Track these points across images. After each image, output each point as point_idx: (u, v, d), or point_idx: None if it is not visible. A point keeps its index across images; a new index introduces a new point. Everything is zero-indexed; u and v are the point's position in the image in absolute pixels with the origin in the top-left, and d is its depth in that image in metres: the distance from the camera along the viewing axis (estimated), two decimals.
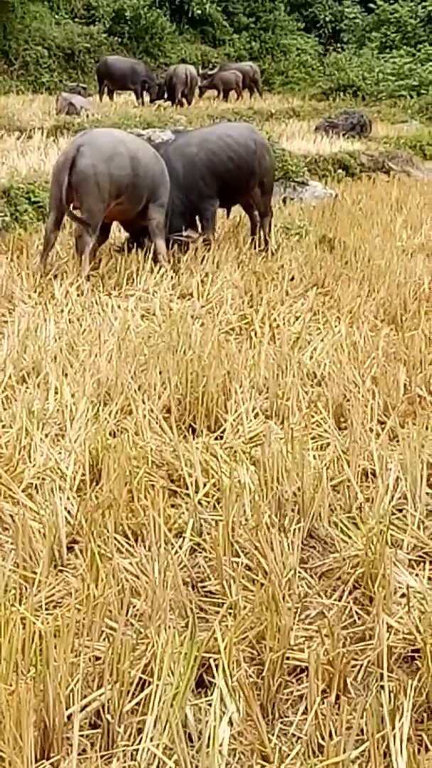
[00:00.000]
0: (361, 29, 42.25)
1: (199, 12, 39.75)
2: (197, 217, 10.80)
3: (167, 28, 38.40)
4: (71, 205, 9.52)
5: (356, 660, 3.93)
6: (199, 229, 10.77)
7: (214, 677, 3.66)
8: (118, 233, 10.87)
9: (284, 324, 8.24)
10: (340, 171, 18.12)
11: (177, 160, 10.49)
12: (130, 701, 3.54)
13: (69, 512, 4.90)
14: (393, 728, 3.40)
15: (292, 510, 5.01)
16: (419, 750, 3.35)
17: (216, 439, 5.99)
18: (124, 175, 9.56)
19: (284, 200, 14.57)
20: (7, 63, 32.63)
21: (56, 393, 6.44)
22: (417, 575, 4.54)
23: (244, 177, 10.91)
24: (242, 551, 4.60)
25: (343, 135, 21.69)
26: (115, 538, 4.64)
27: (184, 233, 10.49)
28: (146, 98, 28.10)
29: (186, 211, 10.59)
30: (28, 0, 34.12)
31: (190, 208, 10.62)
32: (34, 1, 34.62)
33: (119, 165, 9.52)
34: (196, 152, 10.63)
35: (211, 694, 3.57)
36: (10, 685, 3.36)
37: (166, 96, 27.81)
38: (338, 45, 42.36)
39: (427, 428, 6.02)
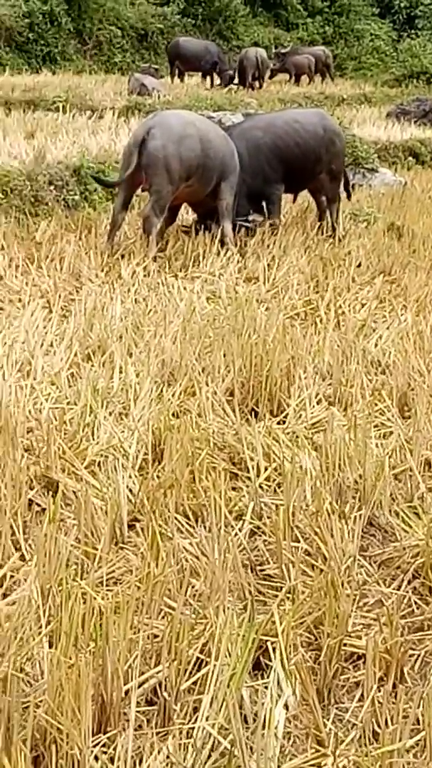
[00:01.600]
0: None
1: None
2: (263, 201, 10.77)
3: (241, 10, 38.30)
4: (140, 187, 9.56)
5: (414, 649, 3.92)
6: (265, 213, 10.74)
7: (270, 660, 3.67)
8: (186, 215, 10.88)
9: (350, 311, 8.21)
10: (410, 158, 17.98)
11: (241, 144, 10.46)
12: (186, 680, 3.57)
13: (131, 490, 4.93)
14: None
15: (353, 497, 5.00)
16: None
17: (278, 423, 5.99)
18: (193, 156, 9.56)
19: (353, 186, 14.46)
20: (81, 42, 32.80)
21: (121, 372, 6.47)
22: None
23: (311, 163, 10.86)
24: (302, 536, 4.60)
25: (415, 122, 21.50)
26: (176, 518, 4.66)
27: (250, 218, 10.47)
28: (216, 81, 28.05)
29: (252, 194, 10.56)
30: None
31: (255, 191, 10.60)
32: None
33: (189, 147, 9.52)
34: (261, 136, 10.60)
35: (268, 677, 3.58)
36: (70, 659, 3.39)
37: (237, 79, 27.73)
38: (412, 31, 41.82)
39: None
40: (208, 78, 28.30)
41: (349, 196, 11.78)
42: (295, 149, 10.68)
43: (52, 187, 11.28)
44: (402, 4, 44.01)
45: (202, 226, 10.33)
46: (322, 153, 10.94)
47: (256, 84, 27.80)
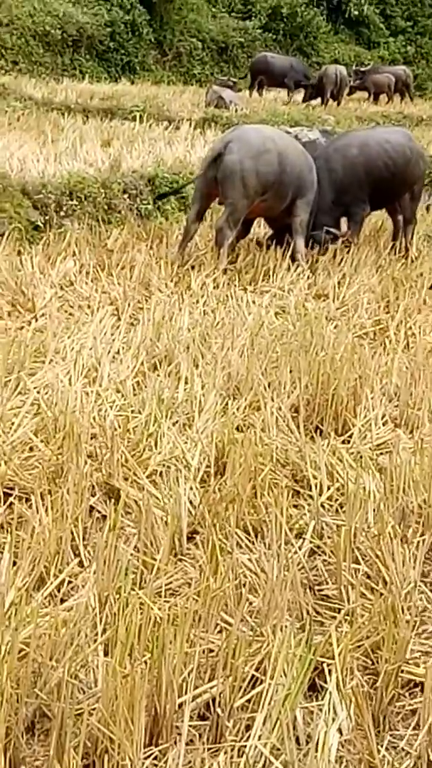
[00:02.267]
0: None
1: (356, 13, 39.49)
2: (344, 219, 10.73)
3: (323, 27, 38.30)
4: (216, 199, 9.58)
5: None
6: (343, 229, 10.70)
7: (326, 682, 3.63)
8: (258, 229, 10.86)
9: (420, 332, 8.13)
10: None
11: (337, 161, 10.48)
12: (241, 697, 3.53)
13: (191, 502, 4.92)
14: None
15: (417, 522, 4.94)
16: None
17: (343, 443, 5.94)
18: (270, 172, 9.56)
19: (428, 208, 14.36)
20: (160, 53, 33.01)
21: (186, 383, 6.46)
22: None
23: (397, 183, 10.84)
24: (362, 559, 4.55)
25: None
26: (236, 533, 4.64)
27: (332, 229, 10.43)
28: (298, 96, 28.05)
29: (336, 211, 10.53)
30: None
31: (340, 209, 10.57)
32: None
33: (267, 162, 9.53)
34: (357, 154, 10.59)
35: (323, 699, 3.54)
36: (125, 669, 3.38)
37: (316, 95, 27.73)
38: None
39: None
40: (288, 93, 28.27)
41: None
42: (384, 170, 10.68)
43: (125, 196, 11.33)
44: None
45: (274, 241, 10.31)
46: (408, 174, 10.91)
47: (334, 101, 27.71)
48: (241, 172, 9.38)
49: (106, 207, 11.02)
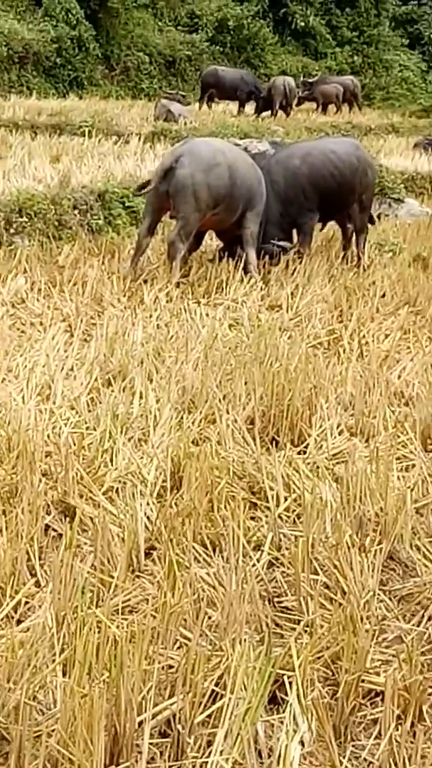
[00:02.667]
0: None
1: (303, 24, 39.76)
2: (294, 230, 10.77)
3: (269, 39, 38.52)
4: (167, 213, 9.57)
5: None
6: (295, 241, 10.74)
7: (287, 695, 3.61)
8: (209, 241, 10.87)
9: (373, 341, 8.16)
10: None
11: (279, 173, 10.51)
12: (201, 713, 3.51)
13: (148, 518, 4.89)
14: None
15: (374, 530, 4.94)
16: None
17: (299, 453, 5.94)
18: (221, 185, 9.57)
19: (379, 216, 14.42)
20: (108, 68, 33.03)
21: (141, 398, 6.44)
22: None
23: (345, 193, 10.87)
24: (321, 569, 4.54)
25: None
26: (194, 547, 4.61)
27: (280, 242, 10.44)
28: (248, 109, 28.15)
29: (284, 222, 10.57)
30: (133, 6, 34.45)
31: (288, 220, 10.61)
32: (138, 7, 34.94)
33: (218, 175, 9.54)
34: (299, 165, 10.61)
35: (284, 712, 3.52)
36: (83, 688, 3.34)
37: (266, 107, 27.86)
38: None
39: None
40: (240, 105, 28.36)
41: (372, 221, 11.73)
42: (330, 179, 10.71)
43: (76, 212, 11.29)
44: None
45: (226, 253, 10.32)
46: (356, 183, 10.96)
47: (283, 112, 27.84)
48: (193, 186, 9.38)
49: (56, 223, 10.97)
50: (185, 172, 9.38)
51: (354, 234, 11.32)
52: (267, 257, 10.39)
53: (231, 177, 9.65)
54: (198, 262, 10.31)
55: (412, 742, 3.41)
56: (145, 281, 9.38)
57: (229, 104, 29.16)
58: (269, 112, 27.57)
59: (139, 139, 17.35)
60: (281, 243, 10.47)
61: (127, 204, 11.95)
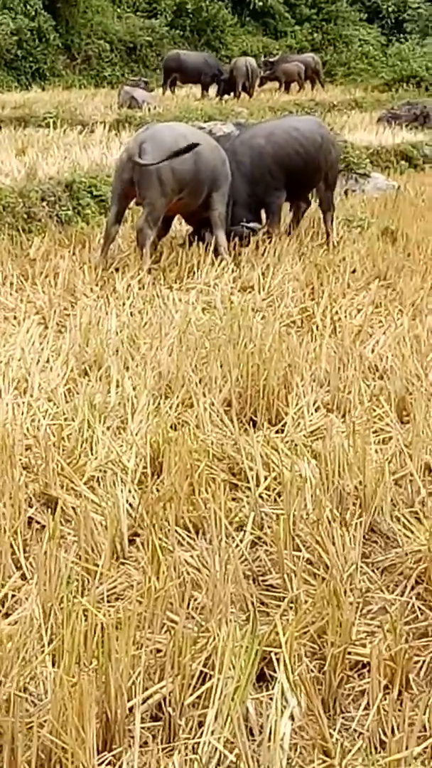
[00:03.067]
0: (425, 19, 41.80)
1: (261, 4, 39.64)
2: (263, 210, 10.79)
3: (229, 20, 38.39)
4: (133, 200, 9.57)
5: (419, 656, 3.90)
6: (264, 221, 10.76)
7: (275, 671, 3.65)
8: (179, 226, 10.87)
9: (346, 317, 8.20)
10: (402, 162, 17.98)
11: (245, 153, 10.51)
12: (191, 694, 3.55)
13: (130, 505, 4.92)
14: None
15: (354, 504, 4.99)
16: None
17: (277, 432, 5.98)
18: (186, 170, 9.57)
19: (346, 192, 14.47)
20: (69, 57, 32.86)
21: (118, 386, 6.46)
22: None
23: (311, 171, 10.89)
24: (303, 545, 4.59)
25: (406, 126, 21.50)
26: (176, 531, 4.65)
27: (249, 224, 10.46)
28: (211, 92, 28.11)
29: (252, 202, 10.59)
30: None
31: (256, 200, 10.62)
32: None
33: (181, 160, 9.53)
34: (264, 144, 10.62)
35: (272, 689, 3.56)
36: (73, 677, 3.37)
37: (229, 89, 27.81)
38: (401, 35, 41.86)
39: None
40: (203, 89, 28.29)
41: (308, 203, 11.72)
42: (296, 157, 10.72)
43: (44, 203, 11.28)
44: (390, 9, 44.10)
45: (196, 237, 10.33)
46: (321, 161, 10.99)
47: (246, 93, 27.80)
48: (157, 171, 9.38)
49: (25, 216, 10.96)
50: (149, 159, 9.36)
51: (322, 213, 11.35)
52: (237, 239, 10.40)
53: (195, 161, 9.65)
54: (168, 247, 10.32)
55: (399, 711, 3.46)
56: (117, 269, 9.39)
57: (192, 88, 29.08)
58: (232, 93, 27.52)
59: (104, 127, 17.31)
60: (250, 224, 10.49)
61: (95, 193, 11.95)
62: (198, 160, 9.70)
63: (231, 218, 10.33)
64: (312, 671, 3.75)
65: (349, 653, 3.81)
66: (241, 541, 4.67)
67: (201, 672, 3.65)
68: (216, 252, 9.89)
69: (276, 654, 3.73)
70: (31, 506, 4.96)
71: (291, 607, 4.11)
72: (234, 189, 10.29)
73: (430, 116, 22.84)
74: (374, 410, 6.22)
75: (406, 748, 3.25)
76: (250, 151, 10.56)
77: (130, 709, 3.43)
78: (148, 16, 36.37)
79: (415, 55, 35.88)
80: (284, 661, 3.65)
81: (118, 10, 35.91)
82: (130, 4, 36.67)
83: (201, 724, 3.42)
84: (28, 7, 31.51)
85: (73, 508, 4.86)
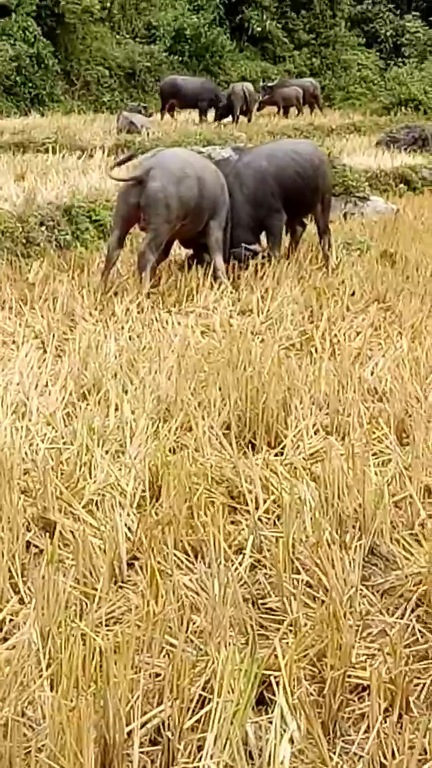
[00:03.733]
0: (423, 43, 42.01)
1: (259, 29, 39.88)
2: (264, 232, 10.82)
3: (227, 46, 38.60)
4: (135, 224, 9.61)
5: (419, 678, 3.88)
6: (264, 243, 10.79)
7: (274, 695, 3.63)
8: (178, 251, 10.90)
9: (345, 339, 8.20)
10: (401, 185, 18.04)
11: (248, 175, 10.56)
12: (190, 718, 3.53)
13: (129, 528, 4.91)
14: None
15: (353, 527, 4.97)
16: None
17: (276, 455, 5.97)
18: (191, 197, 9.65)
19: (345, 216, 14.51)
20: (68, 83, 33.02)
21: (116, 410, 6.45)
22: None
23: (309, 192, 10.96)
24: (303, 568, 4.57)
25: (405, 149, 21.60)
26: (175, 555, 4.63)
27: (250, 246, 10.49)
28: (210, 116, 28.23)
29: (254, 225, 10.63)
30: (90, 21, 34.45)
31: (257, 222, 10.67)
32: (95, 21, 34.95)
33: (188, 187, 9.61)
34: (266, 167, 10.67)
35: (272, 712, 3.54)
36: (71, 701, 3.36)
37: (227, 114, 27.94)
38: (399, 59, 42.06)
39: None
40: (201, 114, 28.40)
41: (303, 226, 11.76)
42: (297, 179, 10.79)
43: (43, 228, 11.30)
44: (388, 33, 44.36)
45: (195, 260, 10.35)
46: (319, 182, 11.06)
47: (245, 118, 27.92)
48: (165, 199, 9.44)
49: (24, 241, 10.98)
50: (157, 185, 9.41)
51: (318, 235, 11.39)
52: (237, 262, 10.43)
53: (200, 188, 9.74)
54: (167, 271, 10.34)
55: (399, 734, 3.44)
56: (116, 293, 9.39)
57: (192, 113, 29.20)
58: (230, 118, 27.64)
59: (103, 152, 17.40)
60: (251, 247, 10.52)
61: (94, 218, 11.99)
62: (202, 187, 9.77)
63: (231, 240, 10.36)
64: (312, 694, 3.73)
65: (349, 676, 3.79)
66: (240, 564, 4.66)
67: (200, 696, 3.63)
68: (214, 276, 9.92)
69: (275, 677, 3.71)
70: (29, 530, 4.95)
71: (290, 630, 4.10)
72: (236, 211, 10.34)
73: (428, 139, 22.94)
74: (373, 433, 6.21)
75: None
76: (254, 173, 10.61)
77: (129, 733, 3.41)
78: (147, 42, 36.58)
79: (414, 79, 36.06)
80: (284, 684, 3.63)
81: (117, 36, 36.11)
82: (129, 30, 36.89)
83: (200, 748, 3.41)
84: (27, 33, 31.67)
85: (71, 531, 4.85)
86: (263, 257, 10.53)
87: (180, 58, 36.75)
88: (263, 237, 10.85)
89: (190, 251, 10.62)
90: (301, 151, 11.09)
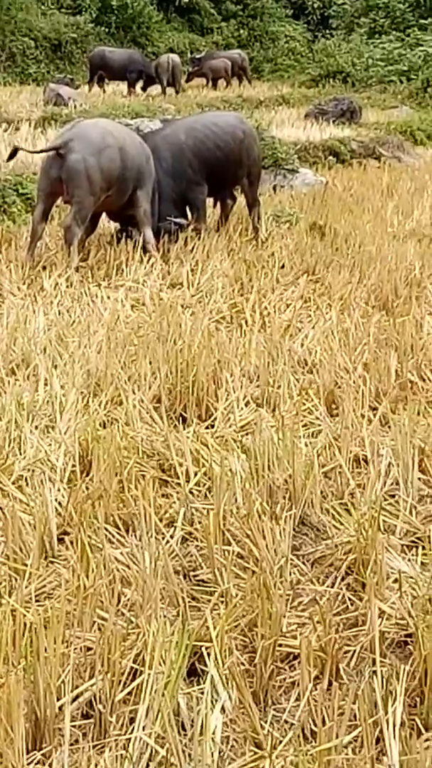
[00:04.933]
0: (350, 15, 42.05)
1: (187, 1, 39.64)
2: (188, 206, 10.79)
3: (154, 17, 38.32)
4: (60, 198, 9.51)
5: (349, 646, 3.92)
6: (189, 217, 10.76)
7: (206, 665, 3.65)
8: (107, 224, 10.83)
9: (275, 312, 8.22)
10: (330, 158, 18.07)
11: (165, 149, 10.49)
12: (121, 691, 3.53)
13: (59, 503, 4.89)
14: (386, 713, 3.40)
15: (284, 497, 5.00)
16: (411, 735, 3.34)
17: (207, 428, 5.97)
18: (114, 167, 9.55)
19: (274, 188, 14.53)
20: None
21: (46, 385, 6.41)
22: (409, 560, 4.52)
23: (232, 165, 10.91)
24: (234, 539, 4.59)
25: (333, 121, 21.65)
26: (106, 529, 4.62)
27: (176, 220, 10.46)
28: (138, 88, 28.07)
29: (176, 198, 10.58)
30: None
31: (180, 196, 10.62)
32: None
33: (109, 157, 9.50)
34: (184, 140, 10.61)
35: (204, 683, 3.56)
36: (1, 678, 3.34)
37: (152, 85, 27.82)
38: (327, 31, 42.17)
39: (418, 413, 6.01)
40: (132, 86, 28.21)
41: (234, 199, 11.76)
42: (216, 151, 10.72)
43: None
44: (315, 5, 44.38)
45: (124, 234, 10.29)
46: (243, 156, 11.01)
47: (173, 90, 27.80)
48: (86, 170, 9.33)
49: None
50: (77, 157, 9.31)
51: (247, 207, 11.39)
52: (166, 235, 10.39)
53: (122, 158, 9.64)
54: (96, 245, 10.27)
55: (330, 700, 3.47)
56: (44, 268, 9.32)
57: (120, 85, 29.00)
58: (159, 90, 27.51)
59: (30, 124, 17.19)
60: (177, 219, 10.48)
61: (20, 191, 11.85)
62: (124, 157, 9.68)
63: (159, 214, 10.32)
64: (243, 664, 3.75)
65: (280, 645, 3.82)
66: (171, 537, 4.66)
67: (131, 668, 3.64)
68: (144, 249, 9.87)
69: (207, 648, 3.73)
70: None
71: (221, 602, 4.12)
72: (158, 185, 10.29)
73: (356, 112, 23.03)
74: (303, 404, 6.24)
75: (336, 738, 3.27)
76: (171, 147, 10.55)
77: (60, 707, 3.41)
78: (73, 12, 36.15)
79: (341, 51, 36.15)
80: (215, 654, 3.65)
81: (43, 7, 35.63)
82: (55, 1, 36.44)
83: (132, 720, 3.42)
84: None
85: (0, 508, 4.82)
86: (191, 230, 10.50)
87: (107, 30, 36.40)
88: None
89: (118, 225, 10.55)
90: (223, 124, 11.03)
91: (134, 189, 9.93)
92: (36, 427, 5.79)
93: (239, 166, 11.00)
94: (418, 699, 3.60)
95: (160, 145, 10.50)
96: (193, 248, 10.09)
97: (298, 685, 3.64)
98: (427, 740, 3.39)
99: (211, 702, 3.43)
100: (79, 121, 10.39)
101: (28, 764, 3.22)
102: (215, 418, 6.08)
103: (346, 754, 3.30)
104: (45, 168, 9.60)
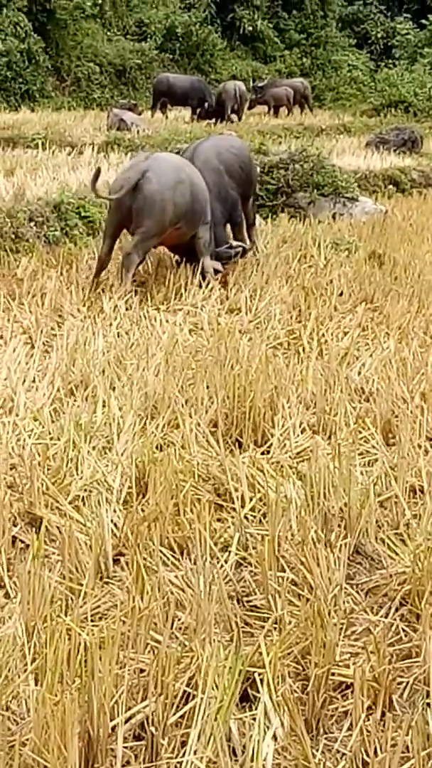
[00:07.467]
0: (413, 45, 42.13)
1: (251, 28, 39.95)
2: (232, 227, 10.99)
3: (218, 44, 38.64)
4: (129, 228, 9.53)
5: (402, 677, 3.90)
6: (239, 240, 10.86)
7: (258, 691, 3.65)
8: (166, 250, 10.88)
9: (332, 339, 8.22)
10: (390, 187, 18.05)
11: (209, 174, 10.54)
12: (174, 714, 3.54)
13: (115, 524, 4.92)
14: None
15: (339, 526, 4.99)
16: None
17: (262, 453, 5.98)
18: (184, 202, 9.58)
19: (334, 216, 14.52)
20: (59, 79, 32.98)
21: (104, 406, 6.46)
22: None
23: (249, 185, 11.30)
24: (288, 566, 4.59)
25: (394, 151, 21.62)
26: (161, 551, 4.64)
27: (234, 243, 10.53)
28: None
29: (226, 221, 10.76)
30: (81, 17, 34.43)
31: (227, 219, 10.78)
32: (86, 18, 34.92)
33: (182, 192, 9.55)
34: (218, 164, 10.75)
35: (256, 709, 3.56)
36: (56, 696, 3.37)
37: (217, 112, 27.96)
38: (390, 61, 42.17)
39: None
40: (194, 112, 28.40)
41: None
42: (241, 173, 11.11)
43: (32, 224, 11.28)
44: (379, 35, 44.48)
45: (183, 259, 10.33)
46: (253, 176, 11.47)
47: (235, 117, 27.95)
48: (162, 202, 9.36)
49: (13, 236, 10.95)
50: (153, 188, 9.33)
51: (247, 229, 11.42)
52: (227, 261, 10.41)
53: (192, 193, 9.69)
54: (155, 269, 10.33)
55: (382, 731, 3.45)
56: (104, 290, 9.39)
57: (182, 110, 29.21)
58: (221, 117, 27.65)
59: (93, 149, 17.35)
60: (236, 243, 10.54)
61: (83, 214, 11.95)
62: (194, 192, 9.72)
63: (215, 242, 10.36)
64: (295, 692, 3.75)
65: (333, 674, 3.81)
66: (225, 561, 4.67)
67: (184, 692, 3.64)
68: (203, 276, 9.89)
69: (259, 674, 3.73)
70: (15, 525, 4.95)
71: (275, 628, 4.11)
72: (211, 211, 10.35)
73: (417, 141, 22.97)
74: (360, 432, 6.23)
75: None
76: (212, 172, 10.62)
77: (113, 728, 3.42)
78: (138, 39, 36.57)
79: (404, 81, 36.10)
80: (267, 681, 3.65)
81: (108, 33, 36.09)
82: (120, 27, 36.88)
83: (184, 744, 3.42)
84: (18, 29, 31.62)
85: (57, 527, 4.86)
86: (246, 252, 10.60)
87: (171, 56, 36.77)
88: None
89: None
90: (238, 146, 11.48)
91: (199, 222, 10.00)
92: (93, 448, 5.83)
93: (251, 185, 11.37)
94: None
95: (204, 170, 10.56)
96: (251, 274, 10.12)
97: (351, 714, 3.63)
98: None
99: (263, 729, 3.43)
100: (148, 154, 10.39)
101: None
102: (271, 444, 6.08)
103: None
104: (115, 202, 9.52)
